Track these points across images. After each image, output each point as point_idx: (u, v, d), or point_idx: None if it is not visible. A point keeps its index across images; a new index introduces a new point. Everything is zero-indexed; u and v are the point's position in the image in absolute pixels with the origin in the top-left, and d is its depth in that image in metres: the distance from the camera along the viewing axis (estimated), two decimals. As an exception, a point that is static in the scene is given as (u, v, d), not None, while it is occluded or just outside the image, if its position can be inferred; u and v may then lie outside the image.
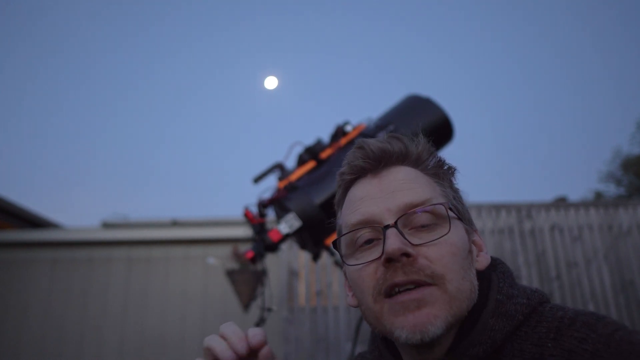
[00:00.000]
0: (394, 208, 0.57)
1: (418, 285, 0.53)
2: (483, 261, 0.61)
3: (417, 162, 0.63)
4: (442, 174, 0.64)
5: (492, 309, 0.56)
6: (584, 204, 4.95)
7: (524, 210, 4.88)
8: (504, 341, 0.54)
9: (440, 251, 0.54)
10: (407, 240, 0.54)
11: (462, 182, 0.67)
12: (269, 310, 1.49)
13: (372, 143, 0.63)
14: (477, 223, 4.80)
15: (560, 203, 5.03)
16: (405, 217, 0.56)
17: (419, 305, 0.52)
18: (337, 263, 1.96)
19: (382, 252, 0.54)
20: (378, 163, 0.62)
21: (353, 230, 0.59)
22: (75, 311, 4.85)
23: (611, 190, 18.57)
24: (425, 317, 0.52)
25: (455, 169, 0.66)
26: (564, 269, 4.66)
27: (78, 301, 4.89)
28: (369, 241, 0.58)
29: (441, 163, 0.65)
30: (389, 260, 0.53)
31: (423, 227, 0.56)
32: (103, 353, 4.71)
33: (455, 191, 0.65)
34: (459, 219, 0.60)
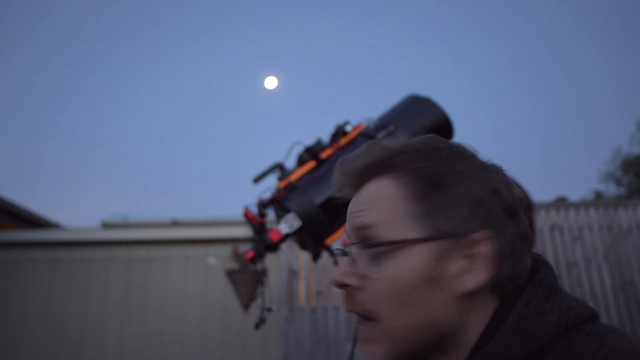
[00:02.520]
0: (352, 230, 0.56)
1: (364, 317, 0.53)
2: (471, 282, 0.50)
3: (392, 170, 0.56)
4: (423, 178, 0.55)
5: (513, 324, 0.48)
6: (584, 204, 4.95)
7: (524, 210, 4.87)
8: None
9: (379, 286, 0.51)
10: (354, 270, 0.54)
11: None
12: (269, 310, 1.49)
13: (346, 166, 0.59)
14: (477, 223, 4.80)
15: (560, 203, 5.03)
16: (364, 244, 0.54)
17: (365, 341, 0.53)
18: (336, 263, 1.95)
19: None
20: (356, 185, 0.59)
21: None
22: (75, 311, 4.85)
23: (611, 190, 18.57)
24: (369, 353, 0.53)
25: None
26: (564, 269, 4.66)
27: (78, 301, 4.89)
28: None
29: (427, 173, 0.54)
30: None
31: (377, 255, 0.52)
32: (103, 353, 4.71)
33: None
34: (435, 238, 0.51)
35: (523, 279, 0.53)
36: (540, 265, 0.55)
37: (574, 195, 26.68)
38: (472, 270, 0.51)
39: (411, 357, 0.53)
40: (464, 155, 0.56)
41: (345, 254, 0.58)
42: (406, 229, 0.51)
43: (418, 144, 0.56)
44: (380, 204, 0.54)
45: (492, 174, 0.55)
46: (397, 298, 0.50)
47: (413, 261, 0.50)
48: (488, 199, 0.52)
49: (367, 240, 0.53)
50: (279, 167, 1.61)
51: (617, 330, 0.47)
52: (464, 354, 0.51)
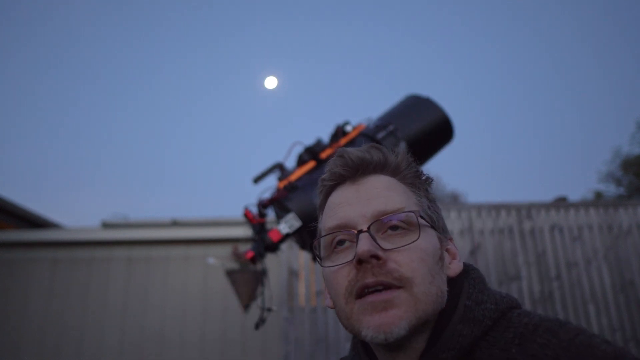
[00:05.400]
0: (368, 214, 0.61)
1: (386, 287, 0.56)
2: (455, 268, 0.64)
3: (395, 172, 0.67)
4: (419, 184, 0.68)
5: (461, 315, 0.58)
6: (584, 204, 4.95)
7: (524, 210, 4.88)
8: (473, 346, 0.56)
9: (409, 256, 0.58)
10: (378, 245, 0.58)
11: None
12: (269, 310, 1.49)
13: (352, 152, 0.67)
14: (477, 223, 4.80)
15: (560, 203, 5.03)
16: (378, 223, 0.60)
17: (386, 307, 0.56)
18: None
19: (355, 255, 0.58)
20: (356, 171, 0.66)
21: (330, 234, 0.63)
22: (75, 311, 4.85)
23: (611, 190, 18.57)
24: (390, 318, 0.55)
25: (432, 180, 0.70)
26: (564, 269, 4.66)
27: (78, 301, 4.89)
28: (343, 244, 0.62)
29: (418, 174, 0.69)
30: (360, 262, 0.57)
31: (395, 233, 0.60)
32: (103, 353, 4.71)
33: (431, 200, 0.68)
34: (432, 227, 0.63)
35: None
36: (471, 268, 0.66)
37: (574, 195, 26.70)
38: (453, 260, 0.65)
39: (425, 325, 0.58)
40: None
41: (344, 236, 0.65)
42: (422, 214, 0.63)
43: (410, 159, 0.69)
44: (398, 191, 0.64)
45: None
46: (426, 266, 0.58)
47: (431, 239, 0.62)
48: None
49: (393, 219, 0.60)
50: (279, 167, 1.61)
51: (536, 312, 0.59)
52: (425, 337, 0.59)
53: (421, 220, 0.61)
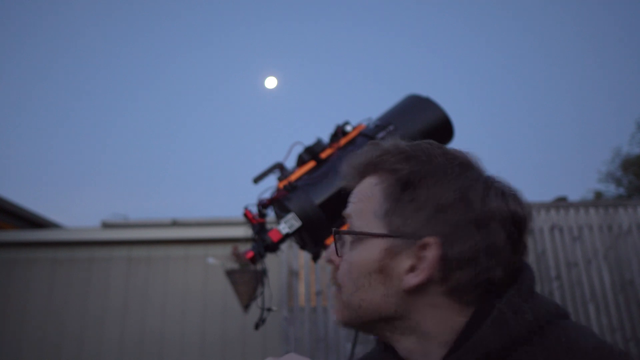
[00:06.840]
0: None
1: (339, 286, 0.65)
2: (410, 280, 0.55)
3: (378, 171, 0.62)
4: (398, 183, 0.60)
5: (493, 322, 0.53)
6: (584, 204, 4.95)
7: (524, 210, 4.88)
8: (502, 357, 0.53)
9: (342, 265, 0.63)
10: (336, 250, 0.65)
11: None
12: (269, 310, 1.48)
13: (353, 157, 0.68)
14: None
15: (560, 203, 5.03)
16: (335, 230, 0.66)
17: (334, 303, 0.66)
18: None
19: None
20: (353, 177, 0.69)
21: None
22: (75, 311, 4.85)
23: (611, 190, 18.59)
24: (334, 312, 0.66)
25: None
26: (564, 269, 4.66)
27: (78, 301, 4.89)
28: None
29: (401, 175, 0.59)
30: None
31: (353, 240, 0.64)
32: (103, 353, 4.71)
33: (414, 200, 0.58)
34: (387, 235, 0.57)
35: (495, 286, 0.56)
36: (524, 268, 0.60)
37: (574, 195, 26.72)
38: (416, 270, 0.56)
39: (363, 326, 0.62)
40: (453, 163, 0.58)
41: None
42: (370, 223, 0.60)
43: (406, 147, 0.61)
44: (361, 197, 0.63)
45: (472, 184, 0.57)
46: (353, 279, 0.60)
47: (369, 252, 0.59)
48: (453, 208, 0.55)
49: (348, 228, 0.64)
50: (279, 167, 1.61)
51: (584, 327, 0.55)
52: (427, 344, 0.57)
53: (349, 237, 0.63)
